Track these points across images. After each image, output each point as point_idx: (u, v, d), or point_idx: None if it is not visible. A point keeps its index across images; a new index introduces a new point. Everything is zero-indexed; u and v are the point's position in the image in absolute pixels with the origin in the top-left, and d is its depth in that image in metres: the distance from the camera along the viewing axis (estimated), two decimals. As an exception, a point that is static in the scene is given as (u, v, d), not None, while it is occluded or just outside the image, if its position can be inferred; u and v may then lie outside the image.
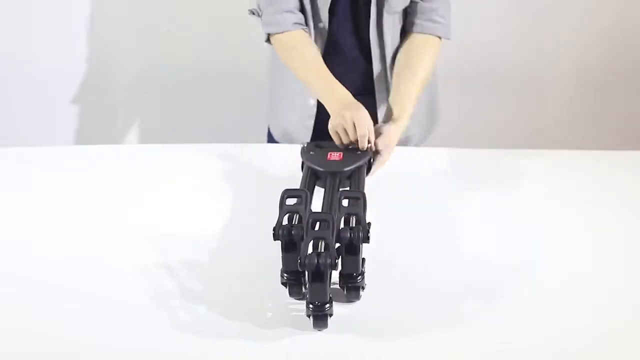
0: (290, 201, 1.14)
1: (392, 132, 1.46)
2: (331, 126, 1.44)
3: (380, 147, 1.42)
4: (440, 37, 1.61)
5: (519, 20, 2.38)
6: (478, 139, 2.40)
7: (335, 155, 1.37)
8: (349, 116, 1.40)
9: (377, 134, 1.44)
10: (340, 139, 1.42)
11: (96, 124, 2.52)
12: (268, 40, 1.61)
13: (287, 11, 1.56)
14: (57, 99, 2.48)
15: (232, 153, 1.64)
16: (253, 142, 1.74)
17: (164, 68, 2.44)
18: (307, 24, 1.59)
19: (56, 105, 2.49)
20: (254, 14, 1.64)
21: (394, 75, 1.59)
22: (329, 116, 1.47)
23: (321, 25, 1.58)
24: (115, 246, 1.31)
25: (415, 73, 1.56)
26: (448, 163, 1.63)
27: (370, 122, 1.43)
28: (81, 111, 2.50)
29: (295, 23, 1.56)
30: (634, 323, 1.10)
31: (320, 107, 1.61)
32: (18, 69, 2.43)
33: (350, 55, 1.63)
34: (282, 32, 1.57)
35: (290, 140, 1.72)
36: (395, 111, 1.51)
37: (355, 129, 1.40)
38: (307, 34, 1.58)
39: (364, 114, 1.42)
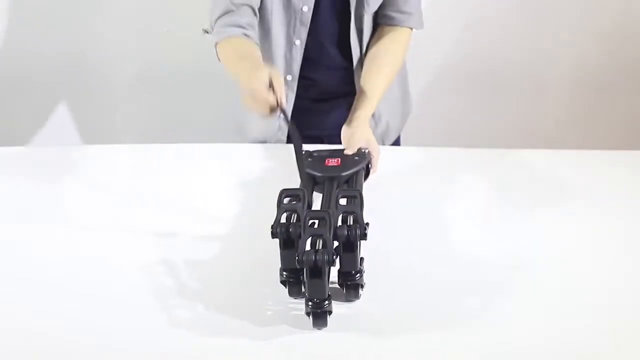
0: (288, 200, 1.14)
1: (358, 132, 1.45)
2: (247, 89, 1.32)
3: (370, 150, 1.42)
4: (411, 28, 1.61)
5: (519, 20, 2.38)
6: (478, 139, 2.40)
7: (333, 161, 1.37)
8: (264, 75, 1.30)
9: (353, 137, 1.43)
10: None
11: (96, 124, 2.52)
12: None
13: (238, 26, 1.52)
14: (57, 98, 2.48)
15: (232, 153, 1.64)
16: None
17: (164, 68, 2.44)
18: (288, 9, 1.54)
19: (56, 105, 2.48)
20: (207, 32, 1.58)
21: (363, 68, 1.59)
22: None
23: (305, 8, 1.54)
24: (115, 246, 1.31)
25: (382, 66, 1.56)
26: (448, 163, 1.63)
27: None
28: (81, 111, 2.50)
29: (245, 35, 1.52)
30: (634, 323, 1.10)
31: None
32: (18, 68, 2.43)
33: (330, 51, 1.62)
34: (229, 38, 1.52)
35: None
36: (358, 105, 1.51)
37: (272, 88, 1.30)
38: (255, 42, 1.53)
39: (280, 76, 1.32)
